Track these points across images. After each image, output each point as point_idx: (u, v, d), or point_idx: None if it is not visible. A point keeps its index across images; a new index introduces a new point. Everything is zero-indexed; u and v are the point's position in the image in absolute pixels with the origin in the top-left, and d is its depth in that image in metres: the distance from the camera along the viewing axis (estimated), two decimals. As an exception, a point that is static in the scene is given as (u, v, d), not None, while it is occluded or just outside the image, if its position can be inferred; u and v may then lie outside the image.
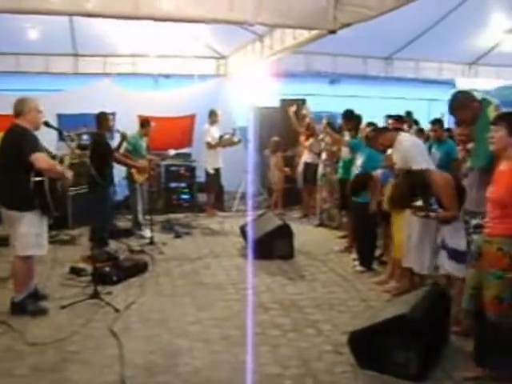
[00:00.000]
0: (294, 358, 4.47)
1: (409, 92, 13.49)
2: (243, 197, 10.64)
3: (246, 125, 10.98)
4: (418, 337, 4.06)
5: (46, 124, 5.46)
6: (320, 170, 9.38)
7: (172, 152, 9.88)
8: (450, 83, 12.90)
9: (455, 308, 4.87)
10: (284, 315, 5.43)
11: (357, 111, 8.31)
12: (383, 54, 11.08)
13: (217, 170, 10.42)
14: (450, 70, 11.35)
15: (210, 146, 10.21)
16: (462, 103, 4.61)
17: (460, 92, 4.80)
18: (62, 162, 5.57)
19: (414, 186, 4.98)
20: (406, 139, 6.03)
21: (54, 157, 5.59)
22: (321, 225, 9.65)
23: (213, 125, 10.33)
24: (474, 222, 4.32)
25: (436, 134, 7.74)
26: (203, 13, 5.84)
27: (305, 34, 7.10)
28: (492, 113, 4.39)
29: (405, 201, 5.05)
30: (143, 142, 8.84)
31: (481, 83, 11.34)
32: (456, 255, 4.79)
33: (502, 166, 3.88)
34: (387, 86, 13.12)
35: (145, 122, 8.94)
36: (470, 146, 4.69)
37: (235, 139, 10.58)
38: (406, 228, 5.61)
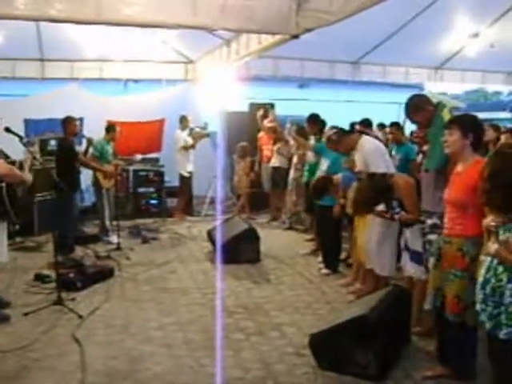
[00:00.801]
0: (255, 361, 4.48)
1: (378, 96, 13.65)
2: (212, 201, 10.65)
3: (214, 129, 10.99)
4: (377, 337, 4.11)
5: (7, 130, 5.41)
6: (291, 173, 9.44)
7: (139, 157, 9.85)
8: (418, 87, 13.07)
9: (416, 309, 4.95)
10: (248, 319, 5.44)
11: (326, 115, 8.39)
12: (350, 59, 11.19)
13: (190, 174, 10.46)
14: (416, 75, 11.51)
15: (186, 148, 10.27)
16: (418, 106, 4.69)
17: (416, 95, 4.88)
18: (21, 166, 5.52)
19: (377, 189, 5.02)
20: (368, 142, 6.09)
21: (13, 162, 5.54)
22: (290, 228, 9.70)
23: (184, 130, 10.39)
24: (429, 221, 4.38)
25: (394, 137, 7.82)
26: (167, 18, 5.85)
27: (269, 39, 7.16)
28: (446, 115, 4.47)
29: (368, 205, 5.10)
30: (109, 148, 8.78)
31: (448, 87, 11.52)
32: (417, 257, 4.86)
33: (459, 168, 3.95)
34: (356, 91, 13.22)
35: (110, 127, 8.89)
36: (425, 147, 4.77)
37: (206, 132, 10.64)
38: (369, 231, 5.67)
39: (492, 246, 3.14)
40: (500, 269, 3.11)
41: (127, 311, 5.63)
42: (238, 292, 6.26)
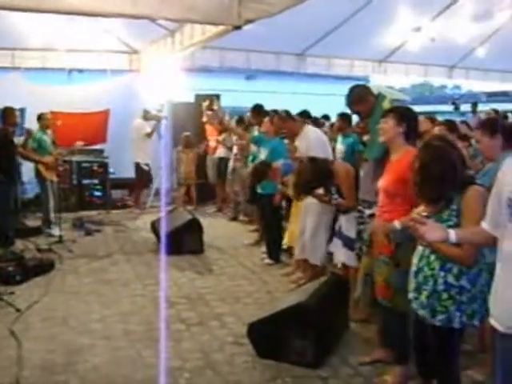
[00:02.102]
0: (195, 351, 4.51)
1: (323, 88, 13.78)
2: (157, 193, 10.58)
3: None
4: (314, 325, 4.18)
5: None
6: (231, 164, 9.45)
7: (79, 144, 9.66)
8: (363, 79, 13.25)
9: (354, 296, 5.05)
10: (190, 309, 5.46)
11: (272, 107, 8.42)
12: (296, 51, 11.25)
13: (147, 165, 10.43)
14: (361, 67, 11.66)
15: (149, 135, 10.31)
16: (359, 97, 4.75)
17: (357, 86, 4.94)
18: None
19: (317, 173, 5.08)
20: (312, 130, 6.26)
21: None
22: (235, 219, 9.74)
23: (145, 121, 10.43)
24: (368, 211, 4.47)
25: (339, 127, 7.92)
26: (107, 7, 5.77)
27: (213, 30, 7.14)
28: (386, 106, 4.55)
29: (308, 187, 5.14)
30: (47, 137, 8.60)
31: (394, 80, 11.71)
32: (350, 243, 4.96)
33: (392, 157, 4.05)
34: (302, 82, 13.32)
35: (40, 116, 8.69)
36: (366, 138, 4.84)
37: (162, 114, 10.61)
38: (301, 221, 5.76)
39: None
40: (432, 257, 3.19)
41: (67, 304, 5.56)
42: (180, 283, 6.27)
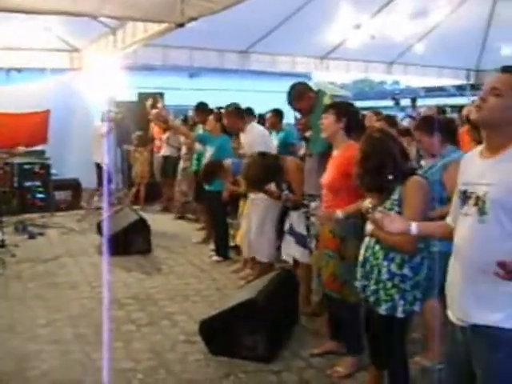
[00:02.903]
0: (147, 351, 4.48)
1: (267, 85, 13.87)
2: (102, 193, 10.41)
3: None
4: (265, 320, 4.23)
5: None
6: (181, 163, 9.41)
7: (21, 149, 9.43)
8: (306, 76, 13.38)
9: (303, 290, 5.13)
10: (139, 310, 5.41)
11: (216, 104, 8.41)
12: (239, 48, 11.24)
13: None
14: (303, 64, 11.72)
15: (104, 135, 10.04)
16: (299, 94, 4.83)
17: (297, 84, 5.01)
18: None
19: (267, 168, 5.08)
20: (256, 127, 6.34)
21: None
22: (181, 218, 9.70)
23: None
24: (313, 204, 4.53)
25: (271, 123, 7.96)
26: (47, 5, 5.61)
27: (155, 27, 7.05)
28: (327, 102, 4.63)
29: (259, 182, 5.14)
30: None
31: (336, 76, 11.85)
32: (302, 240, 5.02)
33: (334, 152, 4.13)
34: (245, 80, 13.36)
35: None
36: (308, 133, 4.91)
37: (119, 116, 10.47)
38: (247, 220, 5.78)
39: (368, 227, 3.30)
40: (377, 247, 3.29)
41: (12, 310, 5.42)
42: (128, 283, 6.21)
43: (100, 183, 10.27)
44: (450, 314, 2.57)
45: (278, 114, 7.84)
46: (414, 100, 13.19)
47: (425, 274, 3.28)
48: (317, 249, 4.34)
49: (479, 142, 3.47)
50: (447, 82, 14.17)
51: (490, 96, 2.35)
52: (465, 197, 2.45)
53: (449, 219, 2.72)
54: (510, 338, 2.31)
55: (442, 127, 4.15)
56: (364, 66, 12.07)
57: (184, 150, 9.30)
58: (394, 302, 3.22)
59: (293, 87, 4.90)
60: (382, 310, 3.26)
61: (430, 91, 20.04)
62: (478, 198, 2.36)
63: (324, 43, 11.05)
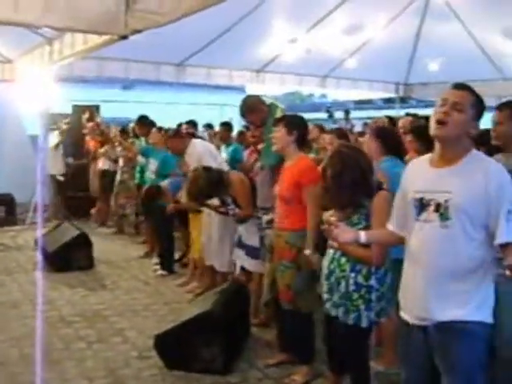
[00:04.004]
0: (100, 369, 4.38)
1: (202, 98, 13.88)
2: (37, 208, 10.09)
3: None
4: (220, 332, 4.24)
5: None
6: (118, 176, 9.27)
7: None
8: (240, 89, 13.51)
9: (254, 301, 5.16)
10: (88, 327, 5.28)
11: (151, 117, 8.36)
12: (175, 61, 11.22)
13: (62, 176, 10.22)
14: (239, 77, 11.80)
15: (56, 147, 10.16)
16: (252, 107, 4.89)
17: (250, 96, 5.08)
18: None
19: (211, 182, 5.06)
20: (200, 144, 6.29)
21: None
22: (120, 232, 9.54)
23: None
24: (266, 217, 4.59)
25: (222, 136, 8.03)
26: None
27: (96, 39, 6.93)
28: (279, 115, 4.71)
29: (202, 196, 5.12)
30: None
31: (268, 89, 11.97)
32: (253, 252, 5.04)
33: (286, 164, 4.20)
34: (181, 92, 13.34)
35: None
36: (260, 146, 4.97)
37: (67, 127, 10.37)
38: (206, 228, 5.77)
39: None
40: (343, 260, 3.35)
41: (-50, 332, 5.17)
42: (73, 300, 6.05)
43: (58, 196, 10.03)
44: (405, 315, 2.71)
45: (228, 127, 7.88)
46: (347, 112, 13.52)
47: (388, 285, 3.39)
48: (270, 261, 4.39)
49: (421, 153, 3.67)
50: (377, 95, 14.64)
51: (454, 111, 2.52)
52: (421, 204, 2.59)
53: (391, 227, 2.86)
54: (475, 329, 2.53)
55: (385, 137, 4.34)
56: (298, 80, 12.28)
57: (121, 162, 9.16)
58: (359, 312, 3.31)
59: (245, 100, 4.96)
60: (350, 319, 3.34)
61: (359, 104, 20.70)
62: (438, 204, 2.52)
63: (260, 57, 11.18)
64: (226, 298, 4.65)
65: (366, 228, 3.20)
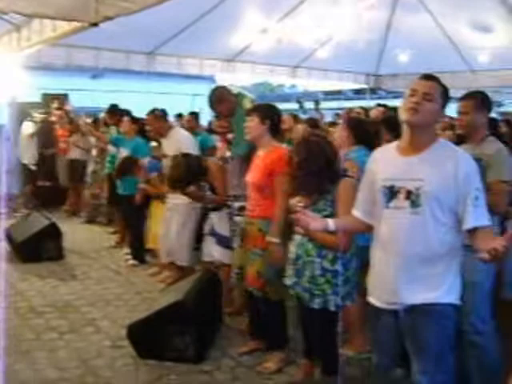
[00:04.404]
0: (73, 359, 4.36)
1: (173, 87, 13.78)
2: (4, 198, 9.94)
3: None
4: (193, 320, 4.26)
5: None
6: (90, 166, 9.17)
7: None
8: (210, 79, 13.44)
9: (226, 290, 5.18)
10: (59, 317, 5.24)
11: (121, 106, 8.28)
12: (146, 49, 11.11)
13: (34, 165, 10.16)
14: (210, 67, 11.72)
15: (32, 136, 10.10)
16: (220, 97, 4.90)
17: (218, 87, 5.09)
18: None
19: (191, 168, 5.07)
20: (181, 132, 6.32)
21: None
22: (91, 221, 9.46)
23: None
24: (237, 204, 4.60)
25: (190, 125, 8.00)
26: None
27: (65, 26, 6.82)
28: (247, 105, 4.73)
29: (183, 182, 5.10)
30: None
31: (238, 79, 11.91)
32: (224, 241, 5.06)
33: (259, 153, 4.22)
34: (152, 81, 13.22)
35: None
36: (229, 136, 4.98)
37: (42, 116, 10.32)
38: (165, 223, 5.75)
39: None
40: (310, 245, 3.44)
41: None
42: (43, 291, 5.99)
43: (24, 184, 9.93)
44: (374, 300, 2.79)
45: (195, 116, 7.86)
46: (317, 103, 13.57)
47: (353, 270, 3.46)
48: (240, 247, 4.42)
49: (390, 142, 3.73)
50: (348, 85, 14.71)
51: (424, 101, 2.59)
52: (391, 192, 2.65)
53: (356, 212, 2.92)
54: (445, 311, 2.64)
55: (356, 127, 4.38)
56: (269, 70, 12.26)
57: (94, 152, 9.07)
58: (326, 297, 3.40)
59: (213, 91, 4.98)
60: (316, 303, 3.41)
61: (329, 94, 20.79)
62: (409, 192, 2.59)
63: (231, 46, 11.14)
64: (198, 286, 4.65)
65: (331, 214, 3.29)
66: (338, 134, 4.43)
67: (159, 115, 6.32)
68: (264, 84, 32.12)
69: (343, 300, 3.43)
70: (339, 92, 20.20)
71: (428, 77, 2.69)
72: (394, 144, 2.79)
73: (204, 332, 4.43)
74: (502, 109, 17.29)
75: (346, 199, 3.29)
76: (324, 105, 16.35)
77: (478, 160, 3.39)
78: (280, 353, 4.25)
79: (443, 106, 2.67)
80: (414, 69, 11.08)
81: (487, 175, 3.40)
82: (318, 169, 3.38)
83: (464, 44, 10.18)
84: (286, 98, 20.04)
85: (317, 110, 13.29)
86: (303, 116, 11.53)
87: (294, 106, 15.32)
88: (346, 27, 10.48)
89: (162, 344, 4.27)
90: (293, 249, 3.57)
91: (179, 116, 10.36)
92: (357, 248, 3.53)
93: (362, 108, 6.94)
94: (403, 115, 2.63)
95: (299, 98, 15.43)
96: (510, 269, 4.13)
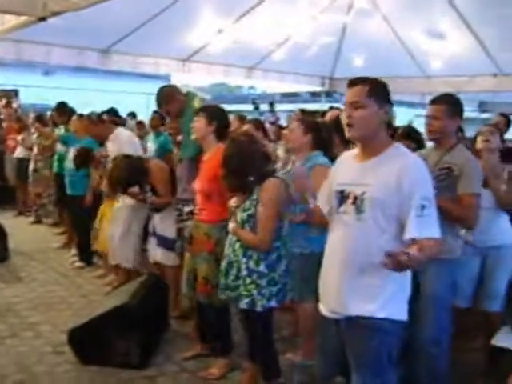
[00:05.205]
0: (12, 365, 4.22)
1: (128, 86, 13.59)
2: None
3: None
4: (137, 325, 4.18)
5: None
6: (31, 165, 8.92)
7: None
8: (166, 78, 13.30)
9: (172, 294, 5.09)
10: (0, 321, 5.06)
11: (75, 104, 8.11)
12: (100, 46, 10.91)
13: None
14: (165, 66, 11.58)
15: None
16: (168, 97, 4.78)
17: (166, 86, 4.98)
18: None
19: (133, 170, 4.98)
20: (125, 134, 6.17)
21: None
22: (38, 222, 9.23)
23: None
24: (187, 209, 4.52)
25: (154, 125, 7.89)
26: None
27: (13, 20, 6.64)
28: (197, 105, 4.63)
29: (123, 183, 5.00)
30: None
31: (195, 79, 11.80)
32: (165, 243, 4.98)
33: (205, 156, 4.16)
34: (106, 80, 13.00)
35: None
36: (179, 138, 4.88)
37: None
38: (111, 226, 5.64)
39: (230, 225, 3.50)
40: (237, 245, 3.48)
41: None
42: (-15, 294, 5.79)
43: None
44: (322, 307, 2.74)
45: (161, 116, 7.76)
46: (271, 105, 13.58)
47: (282, 272, 3.46)
48: (189, 252, 4.35)
49: (342, 146, 3.74)
50: (304, 88, 14.76)
51: (354, 110, 2.53)
52: (342, 196, 2.61)
53: (321, 204, 2.87)
54: (383, 326, 2.53)
55: (316, 130, 4.32)
56: (225, 70, 12.21)
57: (35, 150, 8.81)
58: (252, 297, 3.40)
59: (161, 90, 4.84)
60: (243, 304, 3.42)
61: (286, 97, 20.87)
62: (355, 197, 2.55)
63: (187, 46, 11.06)
64: (143, 290, 4.57)
65: (256, 214, 3.35)
66: (294, 138, 4.32)
67: (94, 120, 6.18)
68: (222, 85, 32.05)
69: (269, 300, 3.41)
70: (296, 94, 20.29)
71: (351, 83, 2.59)
72: (356, 150, 2.73)
73: (148, 337, 4.36)
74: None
75: (267, 199, 3.35)
76: (281, 107, 16.40)
77: (449, 169, 3.42)
78: (225, 358, 4.20)
79: (381, 101, 2.55)
80: (369, 73, 11.19)
81: (457, 187, 3.37)
82: (239, 167, 3.41)
83: (418, 50, 10.32)
84: (243, 100, 20.02)
85: (272, 111, 13.30)
86: (259, 118, 11.55)
87: (250, 107, 15.33)
88: (303, 30, 10.56)
89: (104, 349, 4.18)
90: (225, 249, 3.62)
91: (132, 115, 10.19)
92: (287, 251, 3.57)
93: (317, 112, 6.91)
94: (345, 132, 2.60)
95: (254, 100, 15.42)
96: (497, 283, 4.16)
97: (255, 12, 9.78)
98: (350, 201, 2.56)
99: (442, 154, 3.50)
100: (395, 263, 2.17)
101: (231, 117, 6.69)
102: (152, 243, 5.17)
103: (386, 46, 10.23)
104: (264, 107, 15.42)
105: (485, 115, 13.65)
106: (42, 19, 5.99)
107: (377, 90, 2.56)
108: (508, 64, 9.37)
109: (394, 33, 10.13)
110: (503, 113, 7.05)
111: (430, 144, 4.04)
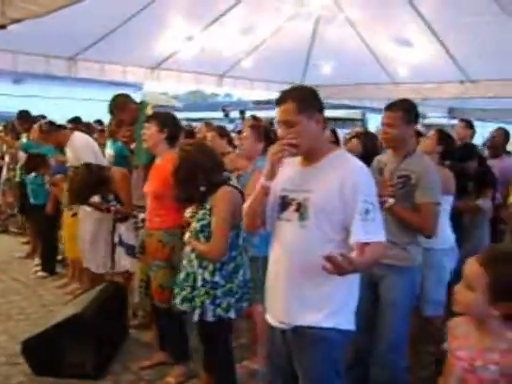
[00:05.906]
0: (-35, 377, 4.14)
1: (96, 93, 13.49)
2: None
3: None
4: (92, 335, 4.13)
5: None
6: (4, 173, 8.81)
7: None
8: (137, 86, 13.22)
9: (133, 302, 5.04)
10: (-44, 332, 4.98)
11: (43, 112, 8.02)
12: (67, 54, 10.82)
13: None
14: (134, 74, 11.51)
15: None
16: (121, 105, 4.80)
17: (118, 95, 4.96)
18: None
19: (93, 179, 4.90)
20: (80, 139, 6.09)
21: None
22: (4, 231, 9.09)
23: None
24: (142, 215, 4.49)
25: (112, 130, 7.83)
26: None
27: (-27, 28, 6.56)
28: (150, 113, 4.63)
29: (83, 194, 4.94)
30: None
31: (169, 87, 11.74)
32: (132, 250, 4.93)
33: (157, 162, 4.15)
34: (74, 87, 12.90)
35: None
36: (133, 145, 4.87)
37: None
38: (80, 229, 5.58)
39: (186, 235, 3.47)
40: (192, 255, 3.43)
41: None
42: None
43: None
44: (269, 317, 2.68)
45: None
46: (242, 112, 13.59)
47: (240, 282, 3.41)
48: (141, 260, 4.32)
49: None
50: (275, 95, 14.75)
51: (287, 130, 2.47)
52: (284, 202, 2.55)
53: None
54: (329, 336, 2.47)
55: (268, 138, 4.32)
56: (196, 78, 12.18)
57: (7, 159, 8.71)
58: (204, 307, 3.36)
59: (114, 99, 4.87)
60: (196, 315, 3.38)
61: (258, 104, 20.89)
62: (299, 204, 2.48)
63: (155, 53, 11.02)
64: (100, 299, 4.53)
65: (210, 224, 3.30)
66: (247, 144, 4.32)
67: (48, 128, 6.13)
68: (197, 92, 32.06)
69: (226, 311, 3.37)
70: (268, 102, 20.32)
71: (277, 102, 2.51)
72: None
73: (104, 346, 4.31)
74: (427, 121, 17.75)
75: (220, 209, 3.31)
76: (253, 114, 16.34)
77: (406, 177, 3.40)
78: (182, 366, 4.17)
79: (311, 110, 2.48)
80: (338, 80, 11.31)
81: (415, 195, 3.34)
82: (187, 177, 3.39)
83: (386, 57, 10.42)
84: (215, 107, 20.02)
85: (243, 119, 13.31)
86: (229, 125, 11.55)
87: (221, 114, 15.32)
88: (271, 37, 10.59)
89: (57, 360, 4.12)
90: (183, 261, 3.56)
91: (98, 122, 10.12)
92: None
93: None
94: None
95: (225, 107, 15.41)
96: (429, 287, 4.12)
97: (224, 19, 9.78)
98: (292, 207, 2.50)
99: (399, 161, 3.45)
100: (335, 266, 2.15)
101: (198, 125, 6.69)
102: (119, 252, 5.10)
103: (354, 53, 10.31)
104: (235, 114, 15.42)
105: (454, 121, 13.78)
106: (2, 27, 5.91)
107: (303, 100, 2.48)
108: (474, 71, 9.50)
109: (363, 40, 10.21)
110: (464, 118, 7.13)
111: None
